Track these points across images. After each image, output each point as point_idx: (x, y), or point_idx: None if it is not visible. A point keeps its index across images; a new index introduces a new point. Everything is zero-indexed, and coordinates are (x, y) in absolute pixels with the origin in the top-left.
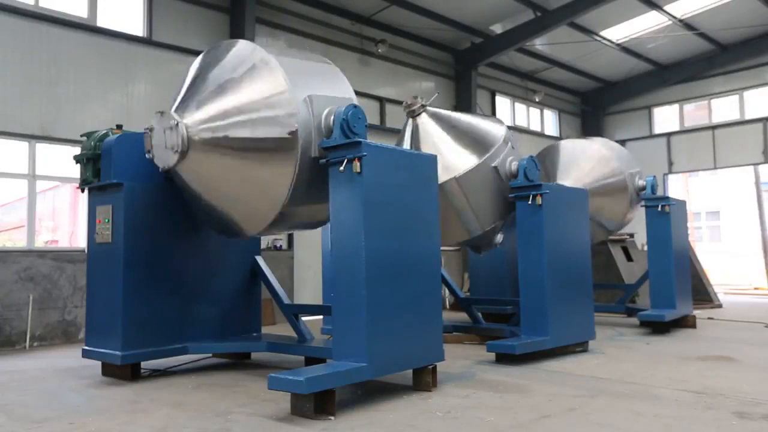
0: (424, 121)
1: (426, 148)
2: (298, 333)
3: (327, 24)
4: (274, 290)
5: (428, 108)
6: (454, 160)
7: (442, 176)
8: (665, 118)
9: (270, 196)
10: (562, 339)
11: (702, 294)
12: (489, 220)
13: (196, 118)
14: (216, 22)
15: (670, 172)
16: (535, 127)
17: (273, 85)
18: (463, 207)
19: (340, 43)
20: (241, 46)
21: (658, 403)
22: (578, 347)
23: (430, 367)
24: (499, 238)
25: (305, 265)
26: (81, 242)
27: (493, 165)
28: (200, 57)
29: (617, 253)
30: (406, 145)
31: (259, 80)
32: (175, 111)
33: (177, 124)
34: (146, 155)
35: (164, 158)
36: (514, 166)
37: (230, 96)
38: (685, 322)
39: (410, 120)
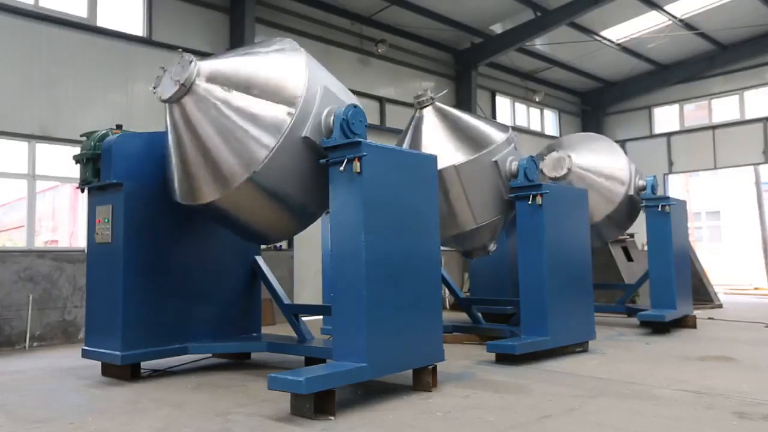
0: (429, 114)
1: (426, 139)
2: (298, 333)
3: (327, 24)
4: (274, 290)
5: (436, 103)
6: (453, 152)
7: (441, 164)
8: (665, 118)
9: None
10: (562, 339)
11: (702, 294)
12: (484, 215)
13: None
14: (216, 22)
15: (670, 172)
16: (535, 127)
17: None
18: (458, 197)
19: (339, 43)
20: None
21: (658, 403)
22: (578, 347)
23: (430, 367)
24: (493, 246)
25: (305, 265)
26: (81, 242)
27: (493, 160)
28: None
29: (617, 253)
30: (409, 134)
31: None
32: None
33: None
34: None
35: None
36: (514, 165)
37: None
38: (686, 322)
39: (417, 112)
